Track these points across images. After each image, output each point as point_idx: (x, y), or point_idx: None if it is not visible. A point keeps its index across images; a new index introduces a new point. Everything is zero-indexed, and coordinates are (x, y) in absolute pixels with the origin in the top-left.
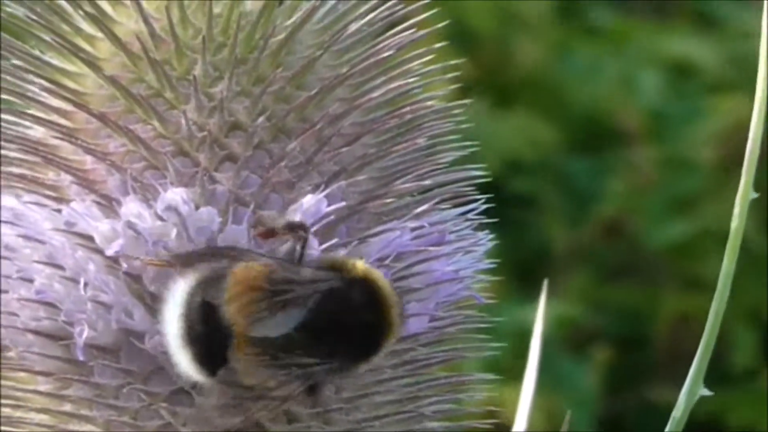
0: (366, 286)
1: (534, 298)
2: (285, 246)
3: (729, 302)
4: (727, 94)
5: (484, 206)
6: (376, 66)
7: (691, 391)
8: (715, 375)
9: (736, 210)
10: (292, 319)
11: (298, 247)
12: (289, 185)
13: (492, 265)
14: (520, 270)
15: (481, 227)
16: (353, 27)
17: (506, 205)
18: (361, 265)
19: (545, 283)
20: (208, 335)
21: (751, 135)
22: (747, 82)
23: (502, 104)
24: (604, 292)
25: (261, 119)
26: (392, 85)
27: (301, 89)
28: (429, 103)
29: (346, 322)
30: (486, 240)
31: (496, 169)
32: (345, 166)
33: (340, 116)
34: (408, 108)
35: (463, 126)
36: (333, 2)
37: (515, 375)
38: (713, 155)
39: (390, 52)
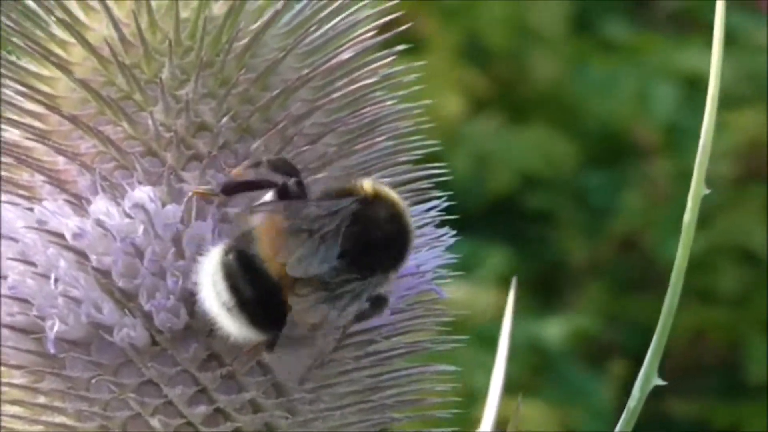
0: (380, 200)
1: (550, 312)
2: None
3: (743, 314)
4: (742, 108)
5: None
6: (338, 68)
7: (645, 379)
8: (729, 387)
9: (689, 204)
10: (331, 250)
11: (296, 186)
12: None
13: (452, 260)
14: (537, 284)
15: (442, 224)
16: (317, 31)
17: (523, 220)
18: (368, 183)
19: (512, 294)
20: (259, 295)
21: (704, 128)
22: (761, 98)
23: (517, 119)
24: (620, 306)
25: (226, 119)
26: (353, 87)
27: (265, 90)
28: (389, 103)
29: (375, 237)
30: (448, 236)
31: (513, 184)
32: (307, 164)
33: (303, 116)
34: (369, 108)
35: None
36: (300, 6)
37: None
38: (728, 170)
39: (350, 54)
